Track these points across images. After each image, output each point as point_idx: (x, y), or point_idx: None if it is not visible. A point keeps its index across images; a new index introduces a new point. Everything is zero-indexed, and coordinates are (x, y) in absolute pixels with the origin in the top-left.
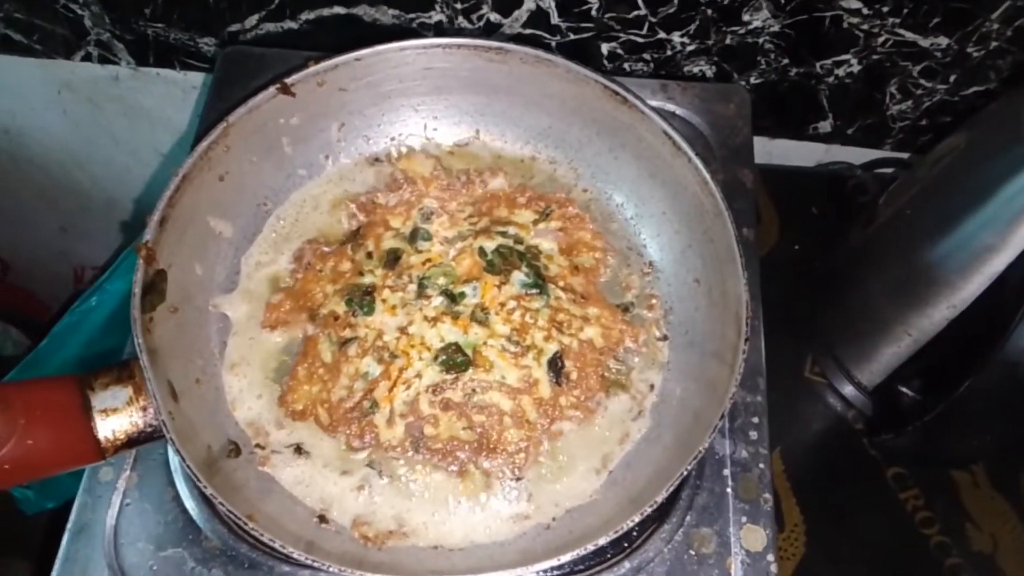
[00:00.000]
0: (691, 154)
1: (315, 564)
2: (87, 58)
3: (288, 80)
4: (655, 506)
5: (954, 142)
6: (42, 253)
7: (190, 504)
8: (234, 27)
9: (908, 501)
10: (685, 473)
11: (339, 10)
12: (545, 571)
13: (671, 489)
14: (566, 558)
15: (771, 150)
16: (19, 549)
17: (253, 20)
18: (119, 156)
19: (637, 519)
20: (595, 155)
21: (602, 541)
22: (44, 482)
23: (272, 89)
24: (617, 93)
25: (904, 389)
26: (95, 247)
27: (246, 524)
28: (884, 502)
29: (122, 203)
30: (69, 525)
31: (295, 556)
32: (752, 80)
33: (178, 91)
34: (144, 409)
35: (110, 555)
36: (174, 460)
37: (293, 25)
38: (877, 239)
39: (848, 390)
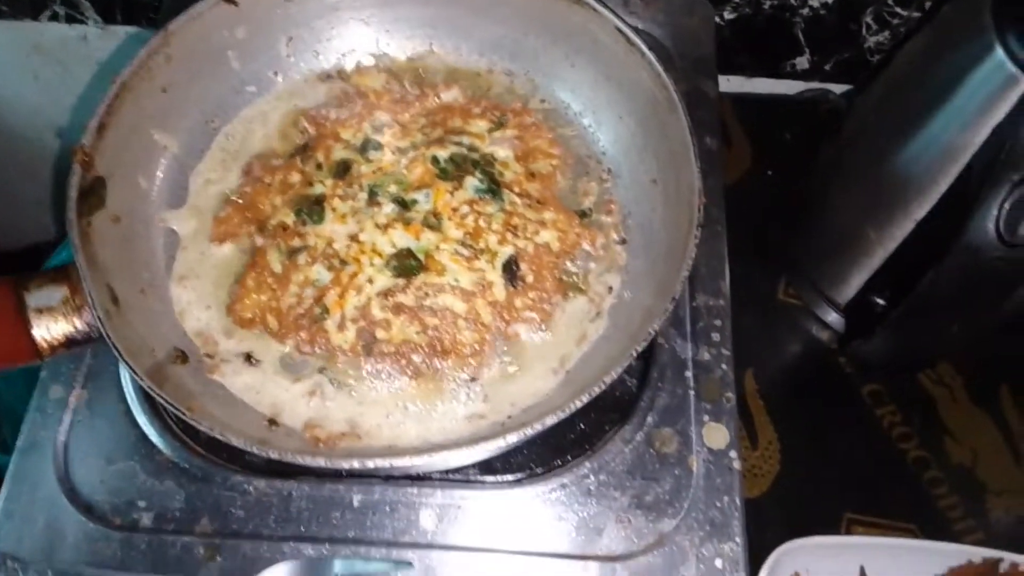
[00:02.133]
0: (644, 48)
1: (265, 453)
2: (54, 18)
3: None
4: (598, 392)
5: (916, 43)
6: (22, 226)
7: (142, 419)
8: None
9: (884, 417)
10: (631, 359)
11: None
12: (505, 473)
13: (616, 374)
14: (512, 438)
15: (749, 90)
16: None
17: None
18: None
19: (580, 403)
20: (551, 64)
21: (546, 423)
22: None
23: None
24: None
25: (877, 299)
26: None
27: (185, 414)
28: (860, 419)
29: None
30: (19, 443)
31: (243, 446)
32: (726, 16)
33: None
34: (79, 309)
35: (60, 470)
36: (125, 377)
37: None
38: (844, 151)
39: (822, 309)
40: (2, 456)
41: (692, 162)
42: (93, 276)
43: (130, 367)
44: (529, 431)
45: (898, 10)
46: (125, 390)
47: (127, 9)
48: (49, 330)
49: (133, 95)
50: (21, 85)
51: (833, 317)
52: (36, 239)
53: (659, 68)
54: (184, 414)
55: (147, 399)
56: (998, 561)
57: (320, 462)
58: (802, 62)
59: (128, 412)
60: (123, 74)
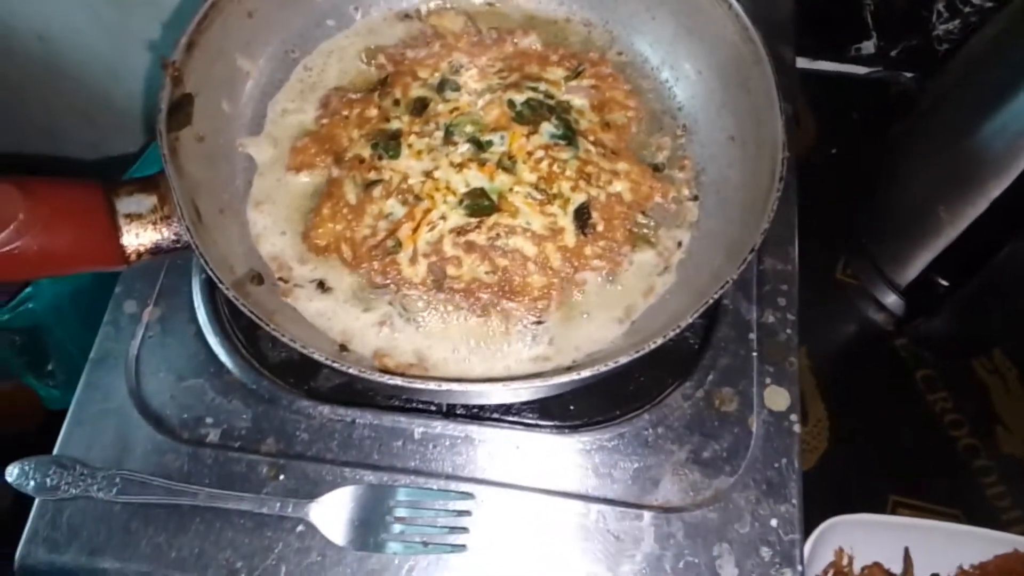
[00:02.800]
0: (732, 1)
1: (342, 368)
2: None
3: None
4: (656, 345)
5: (996, 23)
6: (74, 172)
7: (212, 340)
8: None
9: (937, 403)
10: (691, 319)
11: None
12: (569, 418)
13: (683, 327)
14: (576, 375)
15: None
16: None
17: None
18: (154, 69)
19: (646, 349)
20: (631, 15)
21: (610, 365)
22: (68, 379)
23: None
24: None
25: (939, 279)
26: (127, 166)
27: (267, 325)
28: (912, 404)
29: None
30: (92, 354)
31: (324, 361)
32: None
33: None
34: (167, 219)
35: (131, 382)
36: (197, 298)
37: None
38: (918, 128)
39: (881, 291)
40: (52, 391)
41: (776, 116)
42: (181, 186)
43: (216, 276)
44: (591, 371)
45: None
46: (196, 310)
47: None
48: (137, 237)
49: (222, 16)
50: (81, 25)
51: (891, 299)
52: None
53: (747, 21)
54: (267, 325)
55: (217, 319)
56: None
57: (396, 381)
58: (868, 47)
59: (199, 332)
60: None
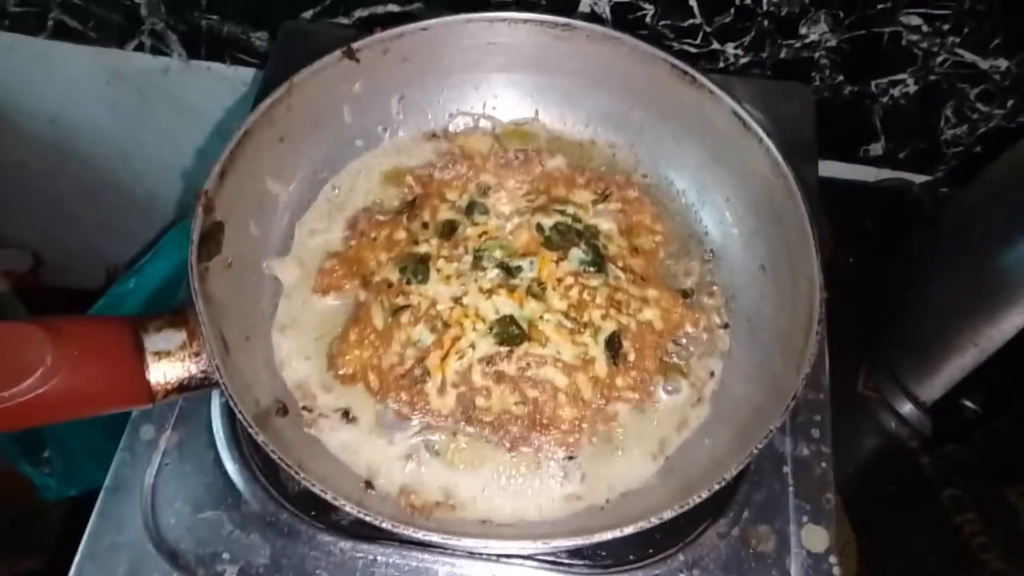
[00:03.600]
0: (762, 134)
1: (365, 517)
2: (140, 48)
3: (354, 45)
4: (702, 499)
5: None
6: (76, 249)
7: (231, 467)
8: (287, 22)
9: (964, 526)
10: (737, 470)
11: (393, 8)
12: (599, 560)
13: (722, 484)
14: (612, 535)
15: (825, 173)
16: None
17: (307, 15)
18: (163, 152)
19: (682, 509)
20: (657, 140)
21: (644, 525)
22: (66, 468)
23: (338, 52)
24: (686, 73)
25: (967, 402)
26: (130, 246)
27: (297, 473)
28: (939, 525)
29: (161, 202)
30: (107, 482)
31: (347, 508)
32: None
33: (227, 86)
34: (197, 355)
35: (147, 513)
36: (216, 422)
37: (345, 21)
38: (944, 246)
39: (904, 406)
40: (48, 479)
41: (812, 253)
42: (210, 320)
43: (242, 416)
44: (635, 527)
45: (979, 106)
46: (215, 435)
47: (212, 45)
48: (165, 374)
49: (254, 143)
50: (96, 111)
51: (914, 414)
52: (87, 258)
53: (778, 155)
54: (293, 470)
55: (236, 446)
56: None
57: (429, 537)
58: (876, 148)
59: (217, 459)
60: (247, 122)
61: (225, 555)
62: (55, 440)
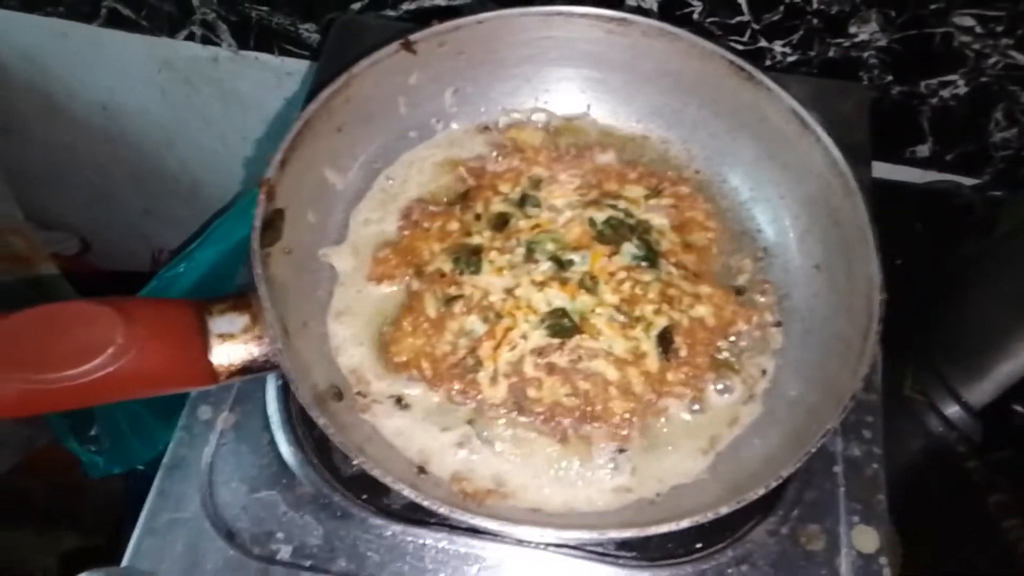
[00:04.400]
0: (820, 132)
1: (420, 501)
2: (190, 37)
3: (412, 37)
4: (755, 498)
5: None
6: (124, 234)
7: (285, 450)
8: (335, 14)
9: (1012, 531)
10: (795, 468)
11: (440, 1)
12: (647, 552)
13: (779, 481)
14: (664, 528)
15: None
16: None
17: (356, 7)
18: (209, 140)
19: (739, 504)
20: (711, 136)
21: (694, 521)
22: (113, 446)
23: (395, 44)
24: (743, 69)
25: (1017, 407)
26: (175, 232)
27: (356, 457)
28: (985, 530)
29: (206, 188)
30: (165, 460)
31: (403, 492)
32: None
33: (273, 77)
34: (259, 339)
35: (204, 491)
36: (271, 405)
37: (393, 14)
38: (998, 249)
39: (952, 410)
40: (95, 456)
41: (872, 252)
42: (274, 305)
43: (302, 398)
44: (690, 521)
45: None
46: (270, 418)
47: (261, 36)
48: (228, 356)
49: (313, 133)
50: (146, 98)
51: (962, 417)
52: (133, 243)
53: (837, 154)
54: (350, 452)
55: (291, 428)
56: None
57: (485, 524)
58: (923, 150)
59: (272, 441)
60: (307, 112)
61: (280, 535)
62: (104, 418)
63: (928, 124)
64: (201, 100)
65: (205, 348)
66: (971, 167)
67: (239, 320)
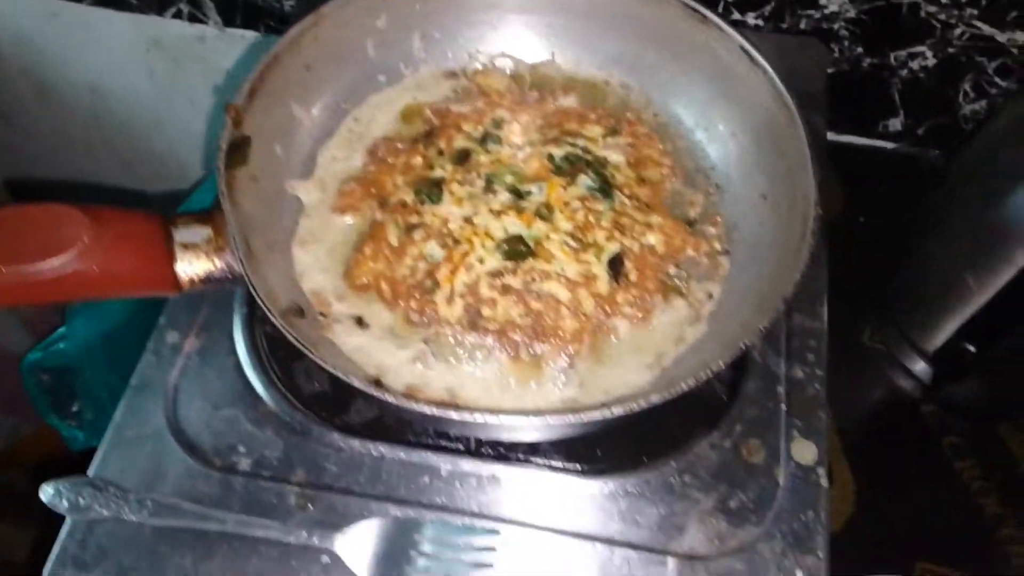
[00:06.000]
0: (766, 66)
1: (382, 396)
2: (178, 15)
3: None
4: (689, 387)
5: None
6: None
7: (249, 372)
8: None
9: (964, 471)
10: (722, 367)
11: None
12: (596, 462)
13: (713, 372)
14: (599, 414)
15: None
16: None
17: None
18: (195, 121)
19: (664, 398)
20: (668, 79)
21: (627, 408)
22: (94, 420)
23: None
24: (696, 11)
25: (967, 346)
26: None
27: (310, 352)
28: (939, 470)
29: (194, 170)
30: (132, 381)
31: (357, 385)
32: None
33: (260, 55)
34: (220, 250)
35: (169, 409)
36: (237, 332)
37: None
38: (946, 201)
39: (908, 357)
40: (76, 431)
41: (810, 177)
42: (236, 221)
43: (265, 305)
44: (623, 408)
45: (997, 80)
46: (236, 343)
47: (247, 13)
48: (191, 264)
49: (281, 67)
50: (135, 79)
51: (919, 366)
52: None
53: (781, 87)
54: (310, 352)
55: (255, 352)
56: None
57: (430, 410)
58: (895, 124)
59: (237, 364)
60: (276, 47)
61: (241, 448)
62: (85, 394)
63: (899, 97)
64: (188, 80)
65: (169, 256)
66: (943, 140)
67: (202, 231)
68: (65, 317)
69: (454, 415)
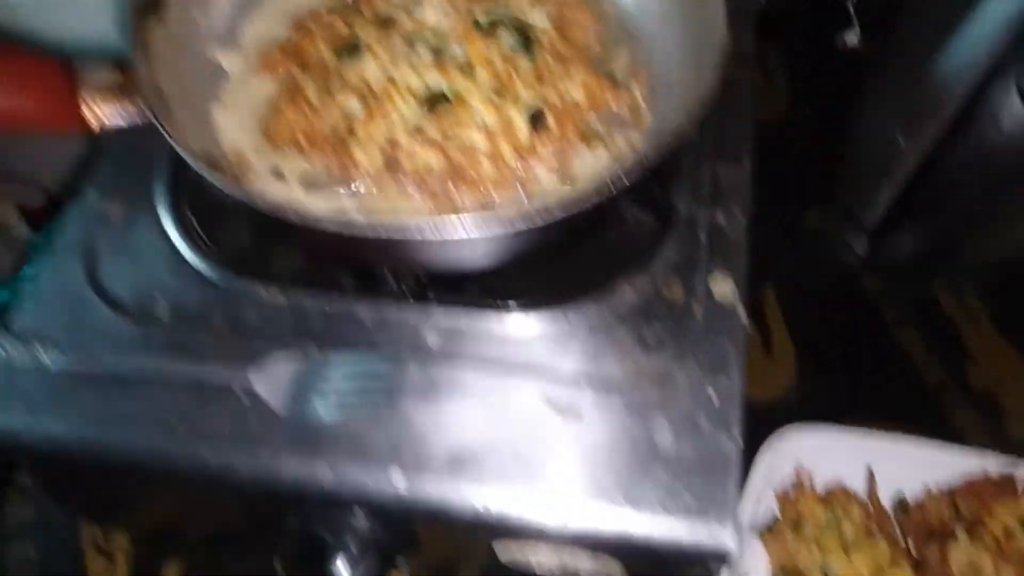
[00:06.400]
0: None
1: (300, 220)
2: None
3: None
4: (591, 204)
5: None
6: None
7: (171, 231)
8: None
9: (906, 341)
10: (631, 179)
11: None
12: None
13: (615, 192)
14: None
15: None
16: None
17: None
18: None
19: (590, 202)
20: None
21: (562, 216)
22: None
23: None
24: None
25: (902, 217)
26: None
27: (234, 191)
28: (881, 340)
29: None
30: (53, 238)
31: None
32: None
33: None
34: (132, 97)
35: (89, 267)
36: (159, 191)
37: None
38: (882, 71)
39: (850, 234)
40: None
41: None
42: (148, 72)
43: (179, 150)
44: (531, 218)
45: None
46: (157, 202)
47: None
48: (101, 108)
49: None
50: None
51: (860, 241)
52: None
53: None
54: (233, 191)
55: (178, 212)
56: (1014, 477)
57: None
58: (851, 37)
59: (159, 223)
60: None
61: (162, 302)
62: None
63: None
64: None
65: (75, 93)
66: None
67: (113, 76)
68: None
69: (383, 233)
